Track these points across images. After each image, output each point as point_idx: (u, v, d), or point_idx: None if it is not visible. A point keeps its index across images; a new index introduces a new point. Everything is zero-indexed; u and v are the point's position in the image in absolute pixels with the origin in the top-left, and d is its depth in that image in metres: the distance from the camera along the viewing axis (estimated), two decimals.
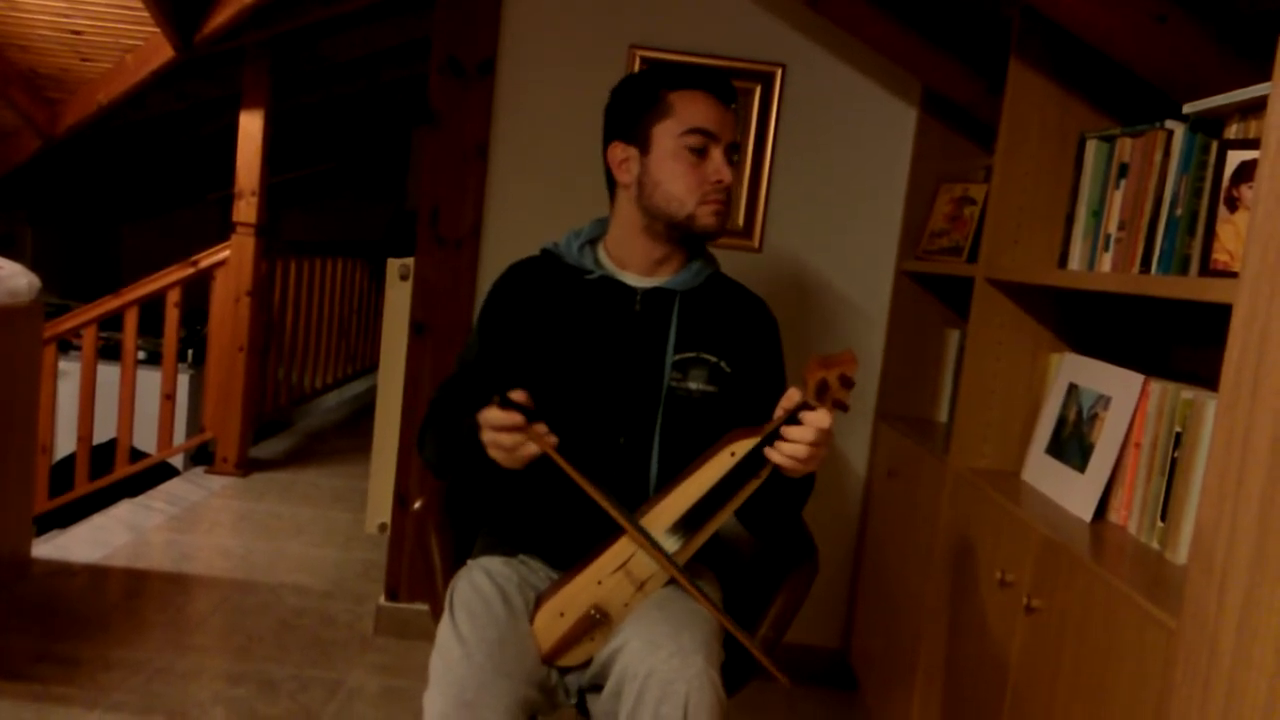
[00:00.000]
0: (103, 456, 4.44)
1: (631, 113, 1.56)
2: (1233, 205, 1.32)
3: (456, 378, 1.63)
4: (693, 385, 1.54)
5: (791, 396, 1.35)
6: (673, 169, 1.51)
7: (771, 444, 1.35)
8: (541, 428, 1.33)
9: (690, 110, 1.51)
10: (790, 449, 1.33)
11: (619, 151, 1.57)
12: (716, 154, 1.52)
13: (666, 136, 1.52)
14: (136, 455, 4.45)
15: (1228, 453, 1.03)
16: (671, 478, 1.41)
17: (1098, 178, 1.71)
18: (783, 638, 1.62)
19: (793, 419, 1.33)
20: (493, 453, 1.35)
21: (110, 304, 4.33)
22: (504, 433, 1.32)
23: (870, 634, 2.54)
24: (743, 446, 1.36)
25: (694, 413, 1.54)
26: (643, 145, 1.54)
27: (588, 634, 1.39)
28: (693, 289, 1.58)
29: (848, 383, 1.34)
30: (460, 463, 1.52)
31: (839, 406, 1.35)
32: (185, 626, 2.75)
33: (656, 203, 1.53)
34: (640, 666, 1.29)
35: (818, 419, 1.32)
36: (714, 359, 1.55)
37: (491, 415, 1.33)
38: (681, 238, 1.56)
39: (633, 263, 1.59)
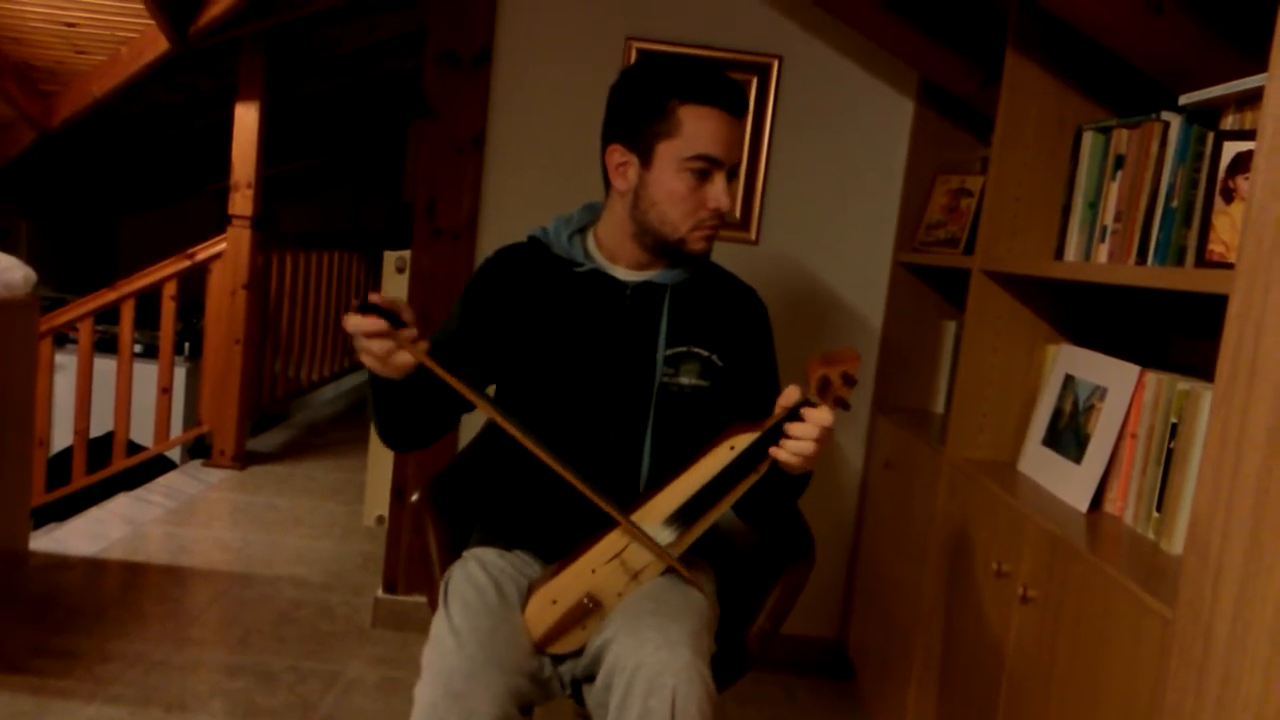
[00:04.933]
0: (100, 450, 4.44)
1: (636, 118, 1.48)
2: (1229, 196, 1.32)
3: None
4: (684, 380, 1.53)
5: (790, 394, 1.35)
6: (672, 191, 1.46)
7: (772, 440, 1.35)
8: (409, 333, 1.29)
9: (699, 133, 1.44)
10: (794, 446, 1.33)
11: (618, 155, 1.50)
12: (719, 180, 1.46)
13: (670, 157, 1.45)
14: (134, 448, 4.45)
15: (1223, 443, 1.03)
16: (662, 474, 1.41)
17: (1094, 169, 1.72)
18: (780, 628, 1.62)
19: (794, 416, 1.33)
20: (366, 360, 1.31)
21: (106, 297, 4.32)
22: (373, 340, 1.28)
23: (867, 624, 2.55)
24: (742, 441, 1.36)
25: (686, 408, 1.53)
26: (644, 157, 1.47)
27: (580, 622, 1.39)
28: (683, 281, 1.57)
29: (850, 380, 1.34)
30: (383, 408, 1.46)
31: (840, 404, 1.35)
32: (183, 619, 2.75)
33: (650, 220, 1.49)
34: (629, 659, 1.29)
35: (820, 417, 1.32)
36: (706, 353, 1.54)
37: (352, 320, 1.28)
38: (670, 254, 1.53)
39: (623, 258, 1.56)
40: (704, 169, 1.45)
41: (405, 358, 1.30)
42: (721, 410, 1.52)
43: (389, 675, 2.52)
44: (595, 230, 1.60)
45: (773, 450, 1.35)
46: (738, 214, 2.59)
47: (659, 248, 1.52)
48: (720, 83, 1.47)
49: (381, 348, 1.28)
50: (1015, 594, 1.59)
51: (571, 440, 1.48)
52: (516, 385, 1.56)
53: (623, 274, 1.56)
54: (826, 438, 1.34)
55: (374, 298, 1.28)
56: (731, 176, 1.49)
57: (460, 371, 1.32)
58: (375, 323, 1.26)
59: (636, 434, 1.52)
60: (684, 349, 1.53)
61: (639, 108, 1.48)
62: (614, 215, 1.55)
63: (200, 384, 4.70)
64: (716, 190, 1.46)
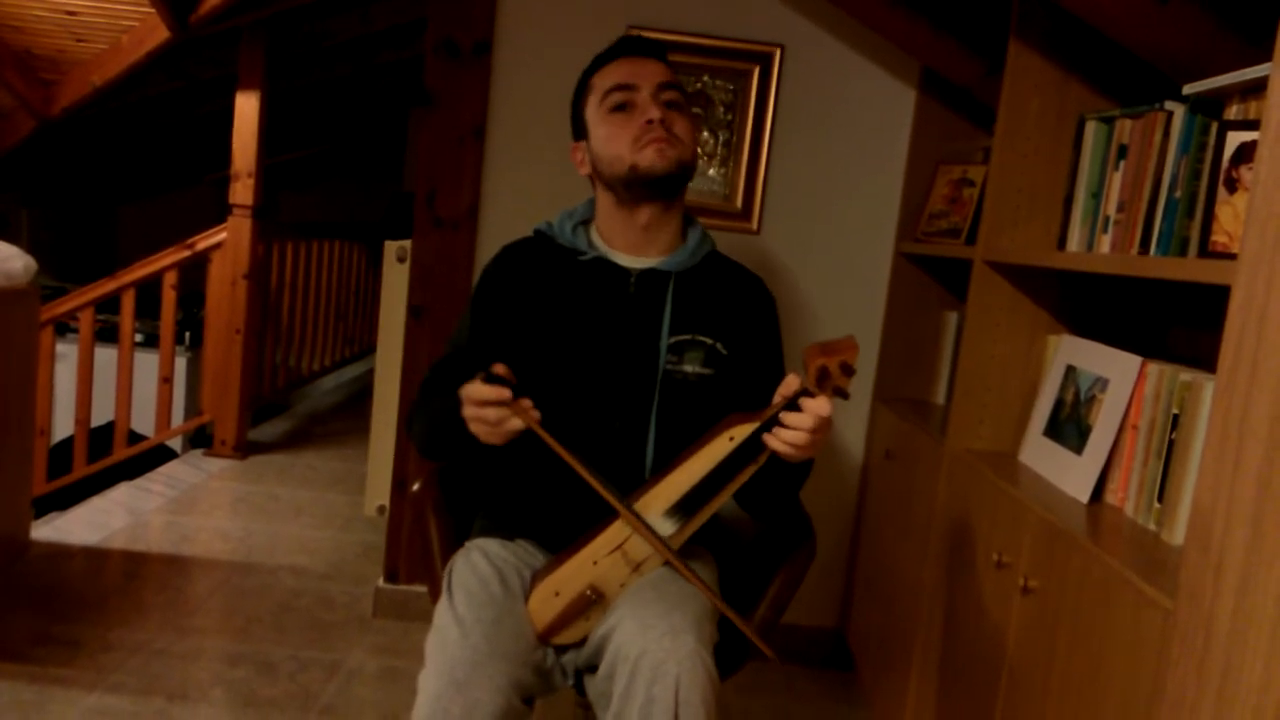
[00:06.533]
0: (101, 439, 4.44)
1: (574, 111, 1.64)
2: (1232, 186, 1.31)
3: (447, 359, 1.62)
4: (688, 368, 1.53)
5: (790, 383, 1.35)
6: (605, 136, 1.55)
7: (770, 429, 1.34)
8: (526, 403, 1.33)
9: (604, 80, 1.56)
10: (790, 436, 1.33)
11: (577, 153, 1.63)
12: (641, 98, 1.53)
13: (593, 112, 1.57)
14: (134, 438, 4.45)
15: (1225, 434, 1.03)
16: (667, 462, 1.41)
17: (1097, 159, 1.71)
18: (780, 618, 1.62)
19: (792, 405, 1.33)
20: (474, 428, 1.34)
21: (107, 286, 4.32)
22: (488, 408, 1.32)
23: (867, 615, 2.55)
24: (741, 431, 1.36)
25: (690, 396, 1.53)
26: (584, 134, 1.60)
27: (583, 613, 1.39)
28: (688, 269, 1.58)
29: (849, 370, 1.34)
30: (446, 442, 1.50)
31: (839, 394, 1.34)
32: (184, 608, 2.75)
33: (606, 174, 1.56)
34: (632, 647, 1.30)
35: (818, 406, 1.32)
36: (710, 341, 1.55)
37: (476, 390, 1.32)
38: (643, 192, 1.53)
39: (622, 243, 1.58)
40: (619, 101, 1.54)
41: (515, 425, 1.33)
42: (726, 398, 1.52)
43: (390, 664, 2.52)
44: (596, 221, 1.63)
45: (767, 440, 1.35)
46: (739, 203, 2.58)
47: (630, 193, 1.54)
48: (619, 41, 1.61)
49: (497, 416, 1.32)
50: (1016, 585, 1.59)
51: (577, 428, 1.48)
52: (524, 375, 1.56)
53: (626, 261, 1.57)
54: (824, 428, 1.33)
55: (498, 369, 1.32)
56: (672, 105, 1.54)
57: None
58: (501, 392, 1.31)
59: (641, 422, 1.52)
60: (688, 337, 1.54)
61: (573, 103, 1.64)
62: (599, 202, 1.62)
63: (201, 373, 4.70)
64: (642, 105, 1.53)
